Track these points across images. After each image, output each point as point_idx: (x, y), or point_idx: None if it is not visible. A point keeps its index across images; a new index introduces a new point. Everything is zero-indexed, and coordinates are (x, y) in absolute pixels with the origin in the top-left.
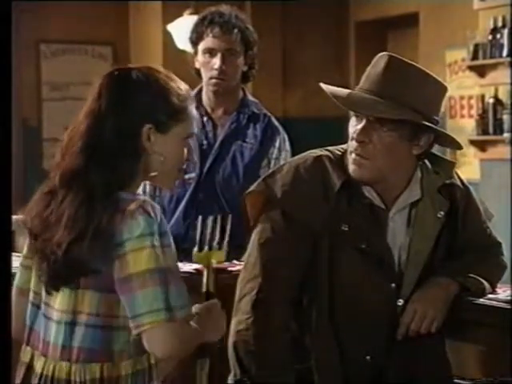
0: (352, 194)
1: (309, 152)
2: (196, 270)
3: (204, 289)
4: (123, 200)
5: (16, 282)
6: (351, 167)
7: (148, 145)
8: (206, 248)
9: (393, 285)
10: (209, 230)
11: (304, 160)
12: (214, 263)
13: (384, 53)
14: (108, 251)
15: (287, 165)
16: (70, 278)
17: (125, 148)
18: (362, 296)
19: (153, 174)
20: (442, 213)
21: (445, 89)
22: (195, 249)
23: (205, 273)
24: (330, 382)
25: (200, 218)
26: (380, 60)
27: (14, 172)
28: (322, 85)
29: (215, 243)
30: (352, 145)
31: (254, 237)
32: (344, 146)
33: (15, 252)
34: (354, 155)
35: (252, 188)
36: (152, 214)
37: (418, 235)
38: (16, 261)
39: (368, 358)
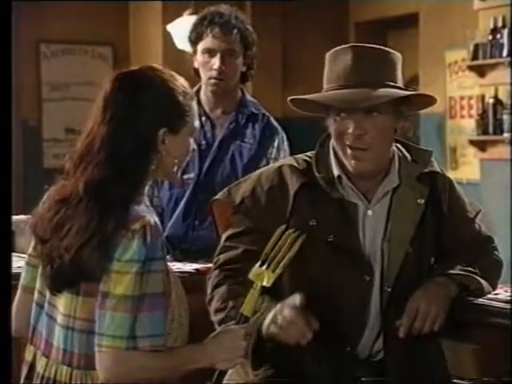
0: (318, 192)
1: (278, 162)
2: (196, 269)
3: (241, 310)
4: (131, 216)
5: (21, 280)
6: (351, 163)
7: (163, 148)
8: (265, 266)
9: (366, 277)
10: (278, 245)
11: (268, 169)
12: (264, 284)
13: (337, 48)
14: (104, 262)
15: (253, 175)
16: (71, 282)
17: (144, 155)
18: (334, 288)
19: (161, 171)
20: (423, 200)
21: (399, 56)
22: (259, 263)
23: (250, 293)
24: (319, 373)
25: (281, 228)
26: (342, 55)
27: (13, 172)
28: (303, 97)
29: (276, 261)
30: (348, 140)
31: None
32: (309, 153)
33: (15, 252)
34: (351, 151)
35: (217, 196)
36: (148, 239)
37: (397, 222)
38: (16, 261)
39: (348, 349)
